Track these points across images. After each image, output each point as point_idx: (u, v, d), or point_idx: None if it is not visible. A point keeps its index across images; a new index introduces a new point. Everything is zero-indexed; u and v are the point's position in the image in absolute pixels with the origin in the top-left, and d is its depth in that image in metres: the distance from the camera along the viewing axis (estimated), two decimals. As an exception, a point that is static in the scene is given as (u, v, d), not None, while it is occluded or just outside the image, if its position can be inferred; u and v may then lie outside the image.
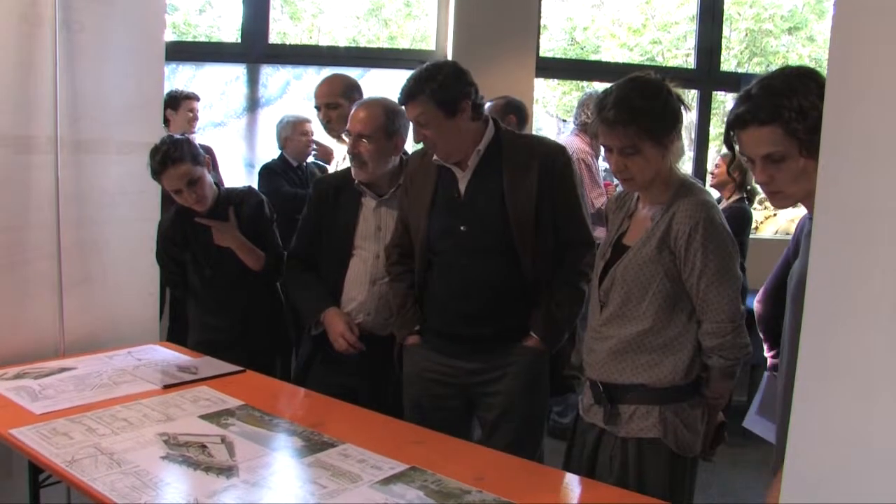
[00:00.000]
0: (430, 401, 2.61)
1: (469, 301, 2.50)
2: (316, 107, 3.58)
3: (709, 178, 5.19)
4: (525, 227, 2.45)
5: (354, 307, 2.79)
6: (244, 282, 2.98)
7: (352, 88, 3.57)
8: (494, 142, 2.53)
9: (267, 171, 4.36)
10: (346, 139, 2.81)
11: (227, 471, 1.85)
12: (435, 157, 2.55)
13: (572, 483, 2.04)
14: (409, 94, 2.44)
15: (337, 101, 3.49)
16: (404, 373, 2.67)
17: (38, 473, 2.30)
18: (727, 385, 2.14)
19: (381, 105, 2.77)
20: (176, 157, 2.79)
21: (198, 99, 4.62)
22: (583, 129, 4.60)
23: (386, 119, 2.73)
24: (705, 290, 2.05)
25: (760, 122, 1.65)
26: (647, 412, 2.10)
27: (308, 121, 4.50)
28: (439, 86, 2.41)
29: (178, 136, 2.94)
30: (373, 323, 2.79)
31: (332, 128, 3.53)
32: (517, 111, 4.19)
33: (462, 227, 2.50)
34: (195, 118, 4.57)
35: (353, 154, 2.74)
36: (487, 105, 4.20)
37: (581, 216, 2.59)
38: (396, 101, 2.54)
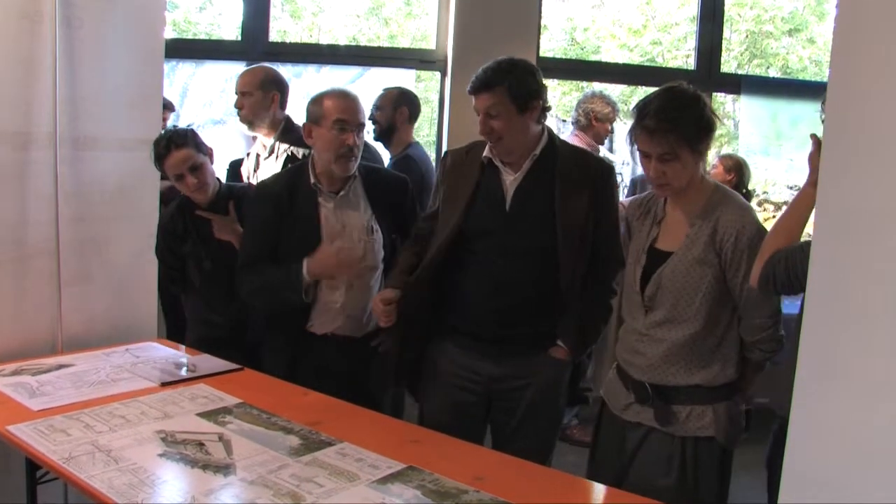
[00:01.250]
0: (451, 406, 2.59)
1: (499, 299, 2.48)
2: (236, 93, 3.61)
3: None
4: (571, 239, 2.45)
5: (335, 310, 2.72)
6: None
7: (268, 81, 3.59)
8: (548, 149, 2.52)
9: (231, 167, 4.32)
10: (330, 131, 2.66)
11: (224, 469, 1.85)
12: (486, 153, 2.53)
13: (571, 484, 2.04)
14: (487, 83, 2.41)
15: (248, 89, 3.52)
16: (423, 373, 2.66)
17: (35, 470, 2.29)
18: (758, 376, 2.29)
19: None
20: (179, 142, 2.82)
21: (170, 109, 4.60)
22: (581, 128, 4.61)
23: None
24: (749, 289, 2.15)
25: None
26: (703, 412, 2.22)
27: None
28: (517, 80, 2.40)
29: (182, 127, 2.97)
30: (352, 326, 2.74)
31: (241, 115, 3.56)
32: (410, 103, 4.16)
33: (504, 228, 2.48)
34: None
35: (354, 148, 2.66)
36: (380, 94, 4.16)
37: (619, 236, 2.58)
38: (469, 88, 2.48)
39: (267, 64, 3.87)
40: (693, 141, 2.17)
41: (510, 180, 2.51)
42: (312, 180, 2.70)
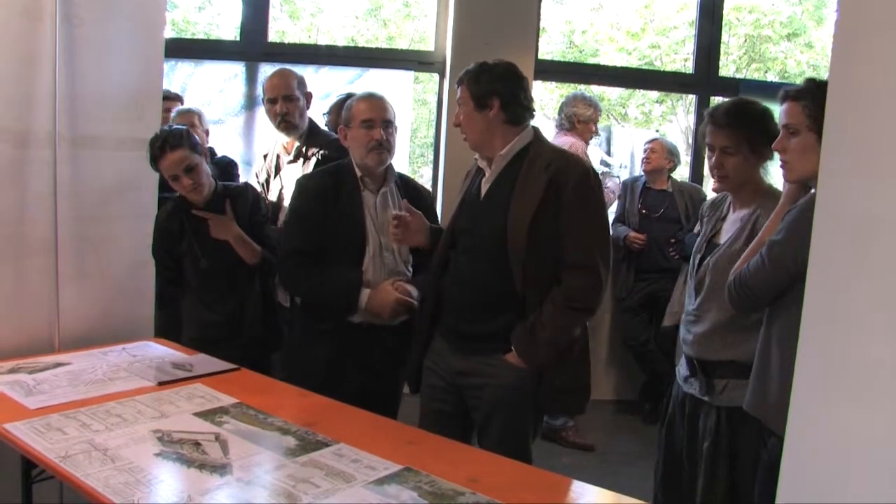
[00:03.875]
0: (428, 389, 2.69)
1: (459, 294, 2.58)
2: (270, 99, 3.52)
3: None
4: (517, 237, 2.44)
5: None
6: (239, 275, 2.99)
7: (303, 83, 3.59)
8: (524, 151, 2.55)
9: None
10: (361, 128, 2.81)
11: (220, 469, 1.85)
12: (476, 157, 2.65)
13: (565, 486, 2.04)
14: (459, 78, 2.61)
15: (294, 93, 3.50)
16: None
17: (30, 469, 2.29)
18: None
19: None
20: (174, 143, 2.83)
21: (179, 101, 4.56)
22: (566, 131, 4.63)
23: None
24: None
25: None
26: (738, 385, 2.40)
27: (190, 113, 4.22)
28: (477, 79, 2.55)
29: (177, 126, 2.97)
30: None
31: (289, 120, 3.51)
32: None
33: (472, 227, 2.57)
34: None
35: (383, 142, 2.81)
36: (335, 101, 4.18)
37: (584, 239, 2.47)
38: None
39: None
40: (753, 142, 2.42)
41: (486, 180, 2.59)
42: (359, 174, 2.87)
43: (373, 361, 2.84)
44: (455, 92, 2.65)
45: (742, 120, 2.45)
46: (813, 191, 2.16)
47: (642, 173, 5.09)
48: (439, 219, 3.22)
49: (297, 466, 1.89)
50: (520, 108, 2.56)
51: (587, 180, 2.50)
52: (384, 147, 2.82)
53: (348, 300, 2.79)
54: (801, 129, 2.15)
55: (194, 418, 2.17)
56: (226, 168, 4.03)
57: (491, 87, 2.52)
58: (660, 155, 4.95)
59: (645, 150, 5.02)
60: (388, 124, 2.84)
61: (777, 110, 2.35)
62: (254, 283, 3.03)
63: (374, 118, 2.81)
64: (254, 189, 3.18)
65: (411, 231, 2.73)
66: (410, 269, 2.95)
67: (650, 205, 4.98)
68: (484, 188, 2.58)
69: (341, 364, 2.81)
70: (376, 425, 2.28)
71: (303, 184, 2.98)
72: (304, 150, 3.50)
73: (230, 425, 2.13)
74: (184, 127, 2.98)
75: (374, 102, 2.86)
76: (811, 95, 2.13)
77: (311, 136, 3.53)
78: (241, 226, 2.95)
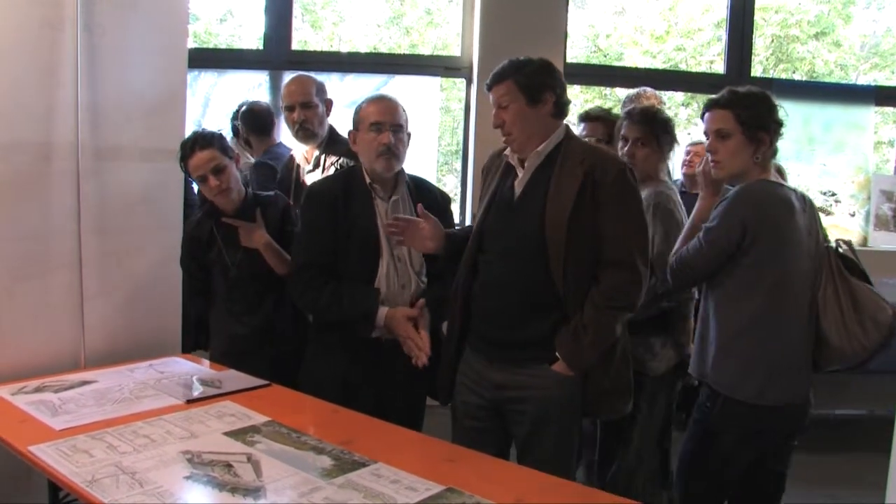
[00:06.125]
0: (463, 406, 2.59)
1: (494, 299, 2.47)
2: (288, 107, 3.41)
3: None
4: (556, 236, 2.36)
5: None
6: (269, 284, 2.92)
7: (322, 89, 3.50)
8: (558, 148, 2.47)
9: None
10: (371, 132, 2.69)
11: (253, 492, 1.77)
12: (506, 151, 2.55)
13: (616, 505, 1.95)
14: (498, 76, 2.48)
15: (313, 100, 3.40)
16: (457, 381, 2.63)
17: (57, 490, 2.23)
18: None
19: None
20: (204, 143, 2.80)
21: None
22: None
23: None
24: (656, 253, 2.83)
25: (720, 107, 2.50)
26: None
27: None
28: (525, 73, 2.44)
29: (210, 130, 2.93)
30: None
31: (308, 128, 3.38)
32: (245, 117, 4.18)
33: (507, 228, 2.47)
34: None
35: (392, 147, 2.68)
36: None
37: (623, 235, 2.39)
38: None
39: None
40: (661, 139, 2.98)
41: (519, 179, 2.50)
42: (368, 180, 2.76)
43: (393, 375, 2.71)
44: (484, 96, 2.56)
45: (654, 120, 2.98)
46: (734, 186, 2.53)
47: (678, 177, 4.95)
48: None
49: (334, 489, 1.80)
50: (565, 105, 2.50)
51: (625, 176, 2.42)
52: (392, 153, 2.70)
53: (366, 319, 2.66)
54: (733, 133, 2.46)
55: (225, 438, 2.09)
56: None
57: (543, 81, 2.44)
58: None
59: (687, 154, 4.84)
60: (398, 129, 2.71)
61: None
62: (284, 294, 2.95)
63: (383, 121, 2.69)
64: (285, 198, 3.11)
65: (424, 237, 2.62)
66: (424, 280, 2.81)
67: (690, 209, 4.82)
68: (518, 189, 2.48)
69: (358, 379, 2.69)
70: (414, 442, 2.21)
71: (311, 192, 2.86)
72: (322, 158, 3.41)
73: (262, 445, 2.04)
74: (217, 131, 2.94)
75: (385, 105, 2.74)
76: (741, 104, 2.45)
77: (331, 144, 3.40)
78: (272, 235, 2.89)
